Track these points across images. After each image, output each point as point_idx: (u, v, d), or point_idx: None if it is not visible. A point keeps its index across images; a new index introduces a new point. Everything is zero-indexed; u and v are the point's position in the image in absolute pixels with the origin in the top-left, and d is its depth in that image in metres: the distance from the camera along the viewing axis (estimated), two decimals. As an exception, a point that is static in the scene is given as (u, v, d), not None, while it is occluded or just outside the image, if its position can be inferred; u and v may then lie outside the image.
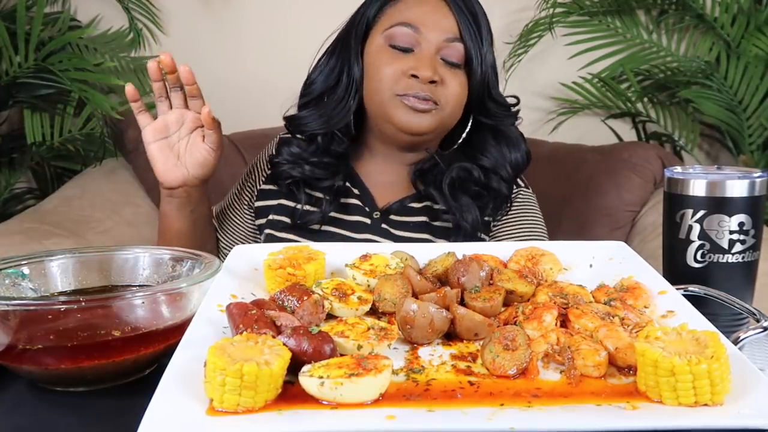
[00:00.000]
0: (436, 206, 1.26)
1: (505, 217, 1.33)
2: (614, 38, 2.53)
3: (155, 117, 1.17)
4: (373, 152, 1.33)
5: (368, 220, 1.28)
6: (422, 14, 1.20)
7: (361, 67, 1.25)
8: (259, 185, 1.36)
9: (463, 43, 1.19)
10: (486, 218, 1.29)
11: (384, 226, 1.27)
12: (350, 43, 1.25)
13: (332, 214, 1.27)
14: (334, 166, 1.28)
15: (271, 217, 1.30)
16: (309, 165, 1.27)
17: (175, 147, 1.17)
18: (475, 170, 1.27)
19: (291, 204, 1.30)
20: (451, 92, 1.20)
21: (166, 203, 1.22)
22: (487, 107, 1.26)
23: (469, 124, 1.29)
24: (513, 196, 1.33)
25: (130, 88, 1.14)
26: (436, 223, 1.27)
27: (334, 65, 1.27)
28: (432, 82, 1.17)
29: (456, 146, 1.30)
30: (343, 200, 1.29)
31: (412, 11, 1.21)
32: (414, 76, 1.17)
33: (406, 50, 1.19)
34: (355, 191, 1.31)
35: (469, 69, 1.21)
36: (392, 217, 1.29)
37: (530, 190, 1.39)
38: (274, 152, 1.33)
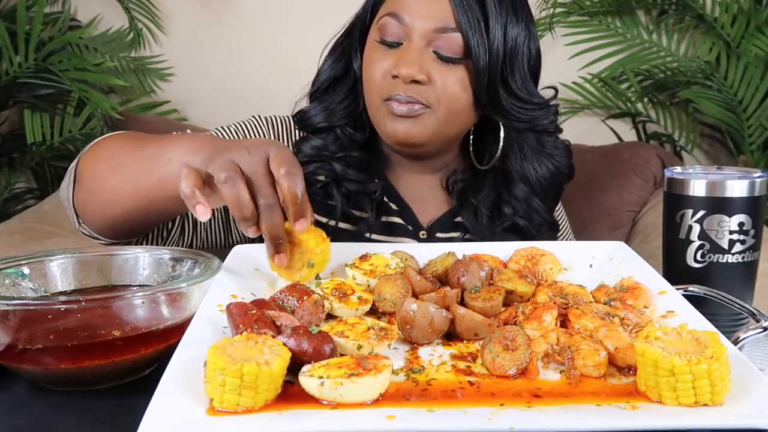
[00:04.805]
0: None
1: None
2: (614, 38, 2.53)
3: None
4: (394, 160, 1.17)
5: (415, 242, 1.14)
6: (411, 1, 1.02)
7: (360, 63, 1.11)
8: None
9: (460, 33, 1.00)
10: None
11: None
12: (354, 33, 1.12)
13: (375, 236, 1.12)
14: (366, 163, 1.12)
15: None
16: (338, 162, 1.10)
17: None
18: (506, 196, 1.12)
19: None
20: (444, 90, 1.01)
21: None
22: (502, 105, 1.05)
23: (501, 132, 1.11)
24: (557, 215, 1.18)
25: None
26: None
27: (340, 57, 1.15)
28: (416, 81, 1.00)
29: (494, 160, 1.13)
30: (384, 218, 1.14)
31: None
32: (396, 76, 1.01)
33: (394, 45, 1.03)
34: (394, 206, 1.15)
35: (471, 62, 1.01)
36: (438, 235, 1.16)
37: (561, 209, 1.27)
38: (293, 148, 1.14)
